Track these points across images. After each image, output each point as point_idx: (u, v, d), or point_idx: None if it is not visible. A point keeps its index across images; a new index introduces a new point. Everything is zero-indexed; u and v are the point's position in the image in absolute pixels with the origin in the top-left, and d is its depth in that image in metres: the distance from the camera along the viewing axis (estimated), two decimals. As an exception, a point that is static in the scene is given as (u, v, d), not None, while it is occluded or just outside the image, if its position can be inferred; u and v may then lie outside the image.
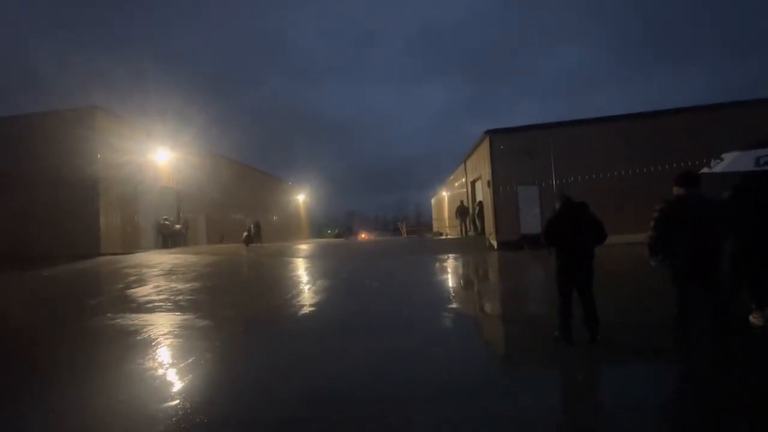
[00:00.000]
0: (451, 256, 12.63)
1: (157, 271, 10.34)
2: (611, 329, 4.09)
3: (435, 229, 34.42)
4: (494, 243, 14.13)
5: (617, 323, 4.40)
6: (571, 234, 3.82)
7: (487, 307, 6.82)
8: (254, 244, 18.47)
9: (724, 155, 5.03)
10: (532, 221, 13.21)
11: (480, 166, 16.38)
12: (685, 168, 3.80)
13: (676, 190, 3.54)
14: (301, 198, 37.66)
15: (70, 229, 13.90)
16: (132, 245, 15.46)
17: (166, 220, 17.69)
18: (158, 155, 17.14)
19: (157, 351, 4.40)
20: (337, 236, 39.89)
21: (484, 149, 14.87)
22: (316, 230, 34.17)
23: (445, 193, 30.13)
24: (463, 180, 21.13)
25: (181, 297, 7.31)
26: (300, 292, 7.89)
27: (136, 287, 8.31)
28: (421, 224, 44.73)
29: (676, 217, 3.40)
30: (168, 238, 17.57)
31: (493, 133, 14.13)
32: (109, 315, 6.19)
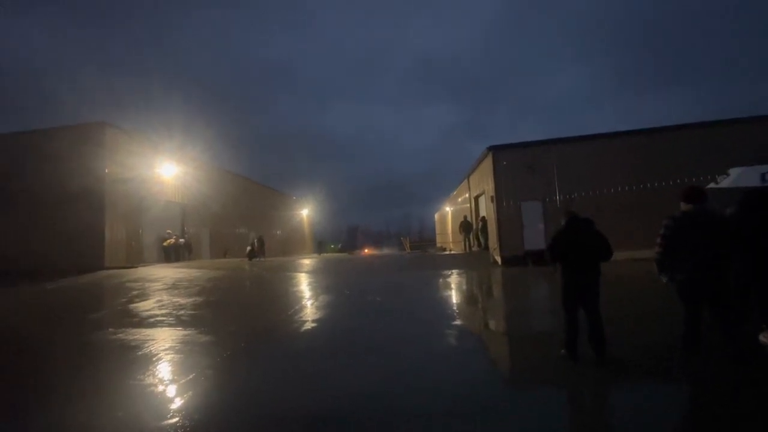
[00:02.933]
0: (455, 271, 12.53)
1: (160, 285, 10.33)
2: (619, 348, 4.01)
3: (438, 244, 34.29)
4: (498, 259, 14.01)
5: (625, 342, 4.32)
6: (576, 251, 3.78)
7: (492, 324, 6.72)
8: (257, 259, 18.45)
9: (730, 171, 5.02)
10: (536, 237, 13.14)
11: (483, 181, 16.41)
12: (692, 183, 3.76)
13: (683, 206, 3.51)
14: (304, 213, 37.78)
15: (75, 242, 13.98)
16: (136, 259, 15.49)
17: (169, 234, 17.76)
18: (165, 170, 17.34)
19: (158, 367, 4.35)
20: (340, 251, 39.79)
21: (488, 165, 14.91)
22: (319, 245, 34.22)
23: (448, 209, 30.12)
24: (467, 195, 21.14)
25: (183, 312, 7.27)
26: (302, 308, 7.82)
27: (138, 302, 8.28)
28: (425, 239, 44.60)
29: (683, 232, 3.36)
30: (172, 252, 17.60)
31: (496, 149, 14.18)
32: (110, 330, 6.16)
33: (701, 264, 3.28)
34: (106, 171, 14.46)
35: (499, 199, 13.94)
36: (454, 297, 9.11)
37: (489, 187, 14.89)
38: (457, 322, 6.32)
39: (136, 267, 14.31)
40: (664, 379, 3.50)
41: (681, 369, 3.57)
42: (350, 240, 43.84)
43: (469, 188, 20.32)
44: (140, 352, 4.85)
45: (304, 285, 11.31)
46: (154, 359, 4.59)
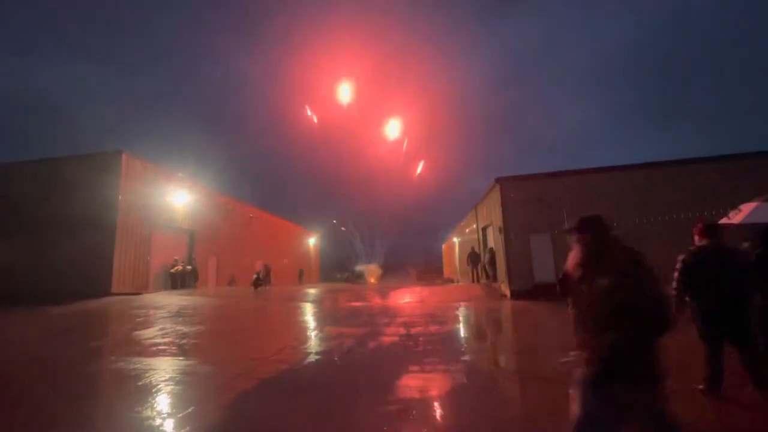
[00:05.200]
0: (462, 304, 12.27)
1: (164, 312, 10.25)
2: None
3: (446, 275, 33.84)
4: (507, 292, 13.74)
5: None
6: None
7: (502, 361, 6.48)
8: (262, 287, 18.33)
9: (741, 206, 4.94)
10: (546, 270, 12.92)
11: (491, 212, 16.38)
12: (704, 217, 3.71)
13: (698, 241, 3.46)
14: (312, 242, 37.86)
15: (84, 268, 14.09)
16: (142, 285, 15.50)
17: (176, 261, 17.83)
18: (176, 197, 17.67)
19: (157, 398, 4.23)
20: (347, 280, 39.46)
21: (495, 196, 14.93)
22: (326, 274, 34.00)
23: (455, 239, 29.95)
24: (474, 226, 21.07)
25: (185, 341, 7.16)
26: (306, 339, 7.66)
27: (142, 329, 8.20)
28: (432, 270, 44.08)
29: (701, 269, 3.28)
30: (178, 279, 17.60)
31: (504, 180, 14.25)
32: (112, 358, 6.07)
33: (721, 301, 3.17)
34: (120, 198, 14.78)
35: (507, 230, 13.84)
36: (462, 331, 8.87)
37: (497, 218, 14.84)
38: (465, 357, 6.11)
39: (143, 293, 14.29)
40: (690, 422, 3.30)
41: (708, 410, 3.37)
42: (357, 270, 43.54)
43: (477, 219, 20.28)
44: (140, 383, 4.74)
45: (309, 315, 11.14)
46: (153, 390, 4.48)
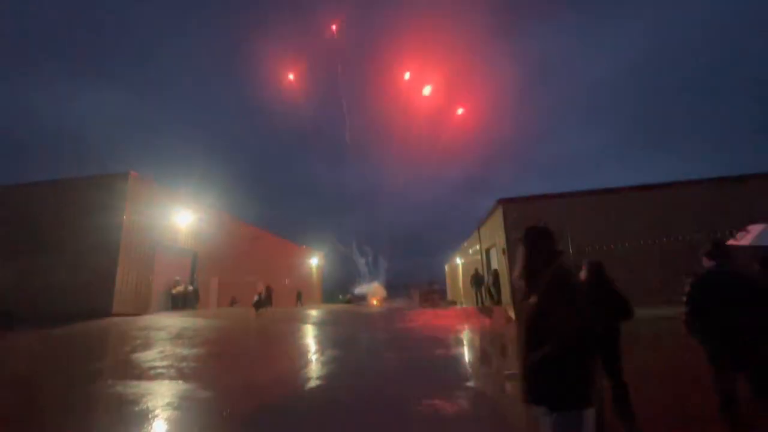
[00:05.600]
0: (466, 327, 12.06)
1: (165, 334, 10.12)
2: (652, 421, 3.68)
3: (449, 298, 33.40)
4: (512, 314, 13.52)
5: (659, 413, 3.97)
6: (593, 309, 3.62)
7: (508, 387, 6.30)
8: (264, 309, 18.12)
9: (749, 227, 4.90)
10: (550, 292, 12.76)
11: (494, 233, 16.33)
12: (715, 239, 3.65)
13: (706, 262, 3.38)
14: (314, 262, 37.67)
15: (86, 288, 14.03)
16: (144, 306, 15.37)
17: (178, 281, 17.74)
18: (180, 218, 17.74)
19: (153, 425, 4.12)
20: (348, 302, 39.00)
21: (498, 217, 14.93)
22: (329, 295, 33.67)
23: (459, 260, 29.73)
24: (477, 247, 20.96)
25: (185, 364, 7.04)
26: (307, 363, 7.51)
27: (141, 351, 8.07)
28: (435, 291, 43.56)
29: (711, 293, 3.19)
30: (179, 300, 17.46)
31: (506, 202, 14.27)
32: (109, 382, 5.95)
33: (731, 328, 3.08)
34: (125, 219, 14.86)
35: (510, 252, 13.76)
36: (466, 355, 8.68)
37: (500, 239, 14.79)
38: (470, 383, 5.95)
39: (144, 314, 14.15)
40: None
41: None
42: (360, 291, 43.12)
43: (480, 240, 20.19)
44: (137, 408, 4.63)
45: (310, 338, 10.96)
46: (150, 416, 4.36)
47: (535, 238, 2.02)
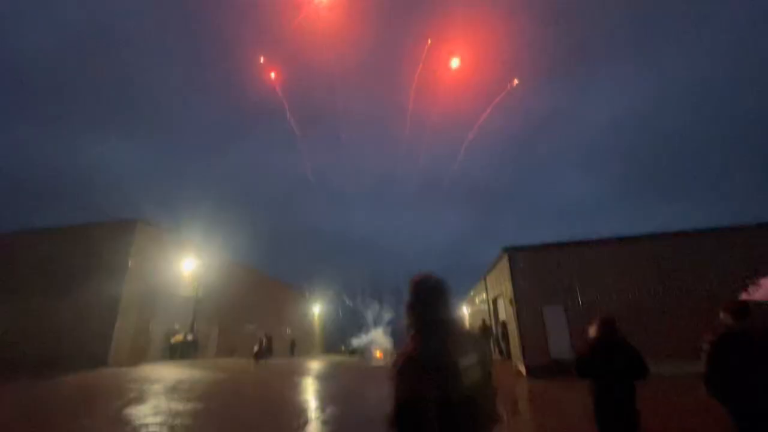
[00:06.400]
0: (475, 382, 11.47)
1: (160, 387, 9.73)
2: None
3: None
4: (522, 369, 12.90)
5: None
6: (607, 366, 3.47)
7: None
8: (264, 360, 17.51)
9: (762, 281, 4.80)
10: (562, 344, 12.26)
11: (501, 283, 16.03)
12: (734, 298, 3.54)
13: (724, 318, 3.26)
14: (316, 310, 36.88)
15: (85, 334, 13.74)
16: (141, 355, 14.92)
17: (177, 330, 17.35)
18: (184, 265, 17.73)
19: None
20: (351, 353, 37.62)
21: (504, 266, 14.73)
22: (330, 345, 32.50)
23: (465, 310, 28.98)
24: (484, 296, 20.51)
25: (178, 421, 6.69)
26: (306, 422, 7.11)
27: (134, 405, 7.72)
28: (442, 343, 41.84)
29: (733, 354, 3.03)
30: (178, 350, 16.96)
31: (512, 250, 14.13)
32: (98, 440, 5.64)
33: (761, 387, 2.90)
34: (130, 265, 14.85)
35: (518, 302, 13.41)
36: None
37: (507, 289, 14.48)
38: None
39: (140, 365, 13.69)
40: None
41: None
42: (364, 343, 41.70)
43: (487, 289, 19.81)
44: (125, 471, 4.34)
45: (311, 393, 10.45)
46: (138, 481, 4.08)
47: (421, 292, 1.75)
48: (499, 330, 16.67)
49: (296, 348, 28.15)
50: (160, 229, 17.10)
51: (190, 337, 17.88)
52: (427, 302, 1.72)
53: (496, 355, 17.30)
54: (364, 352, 35.95)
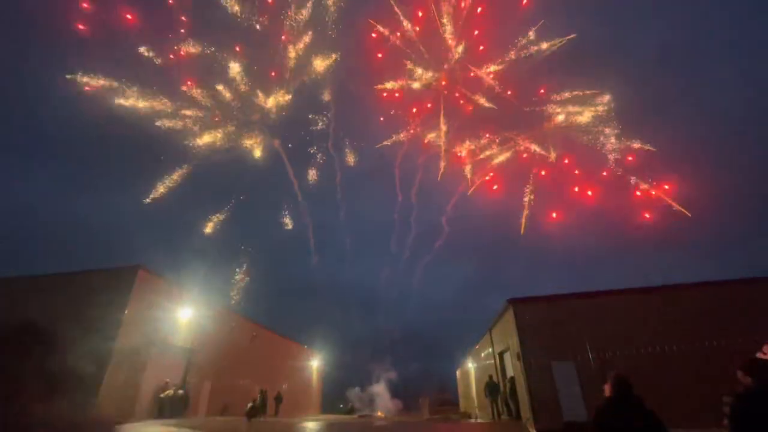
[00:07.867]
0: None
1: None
2: None
3: (462, 409, 30.22)
4: (533, 431, 12.00)
5: None
6: (625, 429, 3.21)
7: None
8: (258, 419, 16.45)
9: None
10: (575, 404, 11.50)
11: (506, 336, 15.42)
12: (751, 357, 3.38)
13: (743, 378, 3.08)
14: (314, 364, 35.30)
15: (70, 386, 13.01)
16: (128, 411, 14.04)
17: (167, 384, 16.50)
18: (180, 313, 17.29)
19: None
20: (349, 412, 35.43)
21: (509, 319, 14.25)
22: (329, 401, 30.73)
23: (471, 365, 27.63)
24: (490, 350, 19.63)
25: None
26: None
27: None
28: (446, 400, 39.60)
29: (754, 414, 2.84)
30: (167, 405, 16.01)
31: (517, 302, 13.73)
32: None
33: None
34: (125, 314, 14.46)
35: (525, 357, 12.78)
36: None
37: (513, 343, 13.90)
38: None
39: (124, 423, 12.84)
40: None
41: None
42: (365, 401, 39.44)
43: (492, 343, 19.02)
44: None
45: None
46: None
47: None
48: (508, 387, 15.73)
49: (282, 403, 24.28)
50: (158, 277, 16.89)
51: (180, 393, 16.94)
52: None
53: (505, 416, 16.19)
54: (363, 409, 33.84)
